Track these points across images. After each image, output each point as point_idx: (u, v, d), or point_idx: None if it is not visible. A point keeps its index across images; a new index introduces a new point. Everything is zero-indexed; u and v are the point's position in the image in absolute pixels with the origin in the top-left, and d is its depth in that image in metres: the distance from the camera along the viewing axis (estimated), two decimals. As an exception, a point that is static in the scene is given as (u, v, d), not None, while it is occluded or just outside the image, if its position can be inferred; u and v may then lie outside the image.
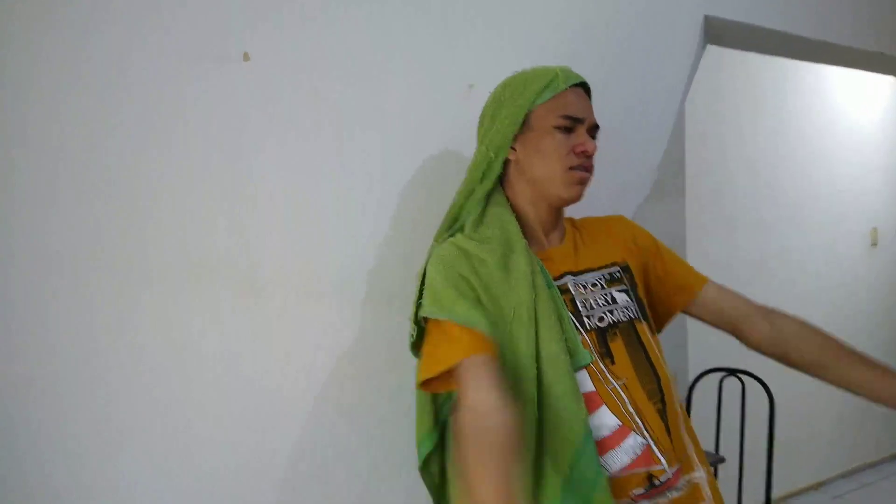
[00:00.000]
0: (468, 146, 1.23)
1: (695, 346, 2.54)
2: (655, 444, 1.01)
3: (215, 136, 1.22)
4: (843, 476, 3.80)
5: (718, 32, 1.95)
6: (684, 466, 1.03)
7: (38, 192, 1.10)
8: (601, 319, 1.06)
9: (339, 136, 1.33)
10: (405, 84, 1.39)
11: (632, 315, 1.10)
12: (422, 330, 1.07)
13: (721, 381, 2.44)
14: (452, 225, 1.17)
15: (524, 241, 1.08)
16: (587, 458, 0.96)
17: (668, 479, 1.00)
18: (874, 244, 3.92)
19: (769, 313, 1.16)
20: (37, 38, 1.08)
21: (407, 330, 1.10)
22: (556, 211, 1.15)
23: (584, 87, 1.14)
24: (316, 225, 1.31)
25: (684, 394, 2.49)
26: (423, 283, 1.07)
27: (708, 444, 2.46)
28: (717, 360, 2.61)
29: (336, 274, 1.33)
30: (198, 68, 1.20)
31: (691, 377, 2.52)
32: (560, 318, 1.03)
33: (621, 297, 1.11)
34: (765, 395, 2.29)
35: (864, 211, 3.85)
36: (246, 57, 1.23)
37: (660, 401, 1.04)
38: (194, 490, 1.22)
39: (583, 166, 1.09)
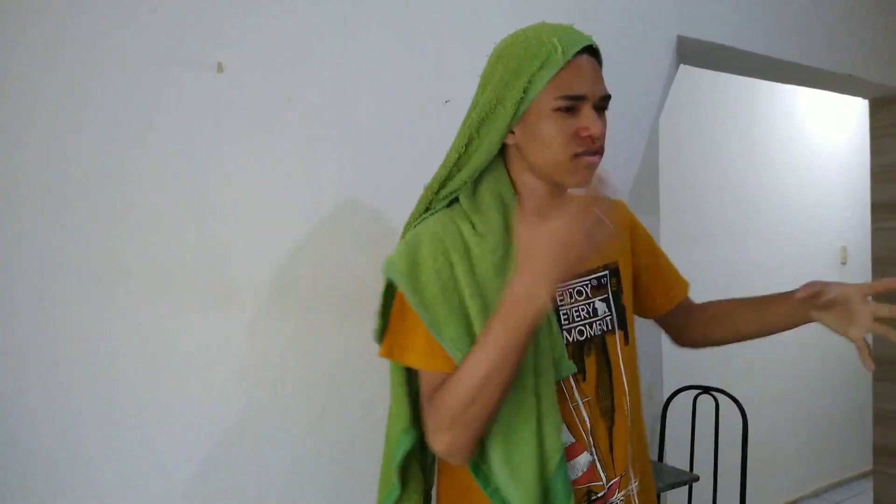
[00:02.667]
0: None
1: (669, 363, 2.54)
2: (599, 460, 1.01)
3: (187, 142, 1.20)
4: (815, 494, 3.83)
5: (691, 52, 1.97)
6: (623, 480, 1.04)
7: (3, 195, 1.07)
8: (581, 333, 1.03)
9: (312, 147, 1.32)
10: (380, 95, 1.38)
11: (605, 328, 1.05)
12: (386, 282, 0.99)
13: (695, 399, 2.45)
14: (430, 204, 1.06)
15: None
16: (562, 471, 0.95)
17: (605, 493, 1.02)
18: (843, 262, 3.98)
19: (696, 306, 1.21)
20: (6, 38, 1.06)
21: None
22: (559, 195, 1.04)
23: (590, 50, 0.96)
24: (287, 234, 1.30)
25: (658, 411, 2.49)
26: (408, 246, 0.97)
27: (682, 462, 2.46)
28: (692, 377, 2.62)
29: (307, 284, 1.32)
30: (170, 75, 1.18)
31: (666, 394, 2.52)
32: (550, 325, 0.97)
33: (601, 308, 1.06)
34: (738, 413, 2.30)
35: (833, 229, 3.92)
36: (220, 68, 1.22)
37: (610, 418, 1.03)
38: (159, 500, 1.19)
39: (590, 150, 0.95)
